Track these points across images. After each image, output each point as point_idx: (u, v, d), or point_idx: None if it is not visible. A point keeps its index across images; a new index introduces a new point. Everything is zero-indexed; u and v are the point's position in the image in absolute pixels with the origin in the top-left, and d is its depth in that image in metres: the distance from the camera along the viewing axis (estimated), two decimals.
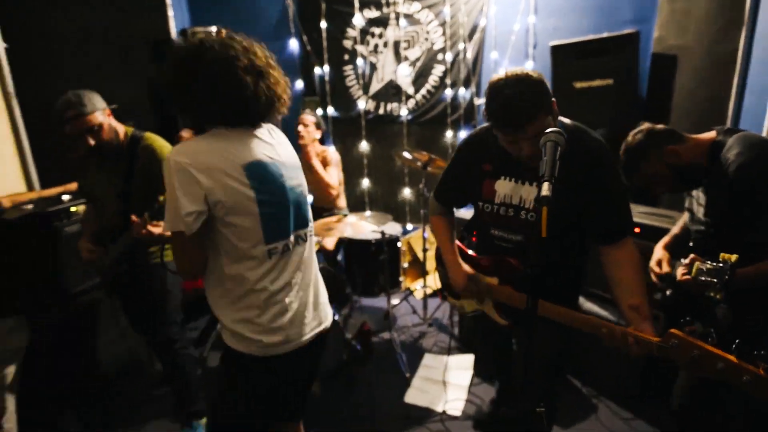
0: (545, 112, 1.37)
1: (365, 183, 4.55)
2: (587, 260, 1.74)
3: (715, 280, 1.39)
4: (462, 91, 4.12)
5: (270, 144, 1.46)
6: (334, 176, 3.37)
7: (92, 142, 1.98)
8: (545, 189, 1.06)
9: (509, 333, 2.03)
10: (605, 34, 3.32)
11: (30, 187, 2.73)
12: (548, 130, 1.21)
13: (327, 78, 4.37)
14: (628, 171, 1.72)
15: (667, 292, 1.73)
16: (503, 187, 1.62)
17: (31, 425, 2.13)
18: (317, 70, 4.38)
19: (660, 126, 1.72)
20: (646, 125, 1.73)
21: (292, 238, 1.47)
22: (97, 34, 3.23)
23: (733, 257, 1.37)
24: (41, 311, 2.20)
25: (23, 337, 2.04)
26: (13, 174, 2.43)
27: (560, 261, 1.61)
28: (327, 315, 1.62)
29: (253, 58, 1.36)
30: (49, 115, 1.92)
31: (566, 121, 1.57)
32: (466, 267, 1.80)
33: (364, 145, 4.47)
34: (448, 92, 4.15)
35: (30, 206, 2.34)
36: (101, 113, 2.01)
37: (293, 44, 4.33)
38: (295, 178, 1.49)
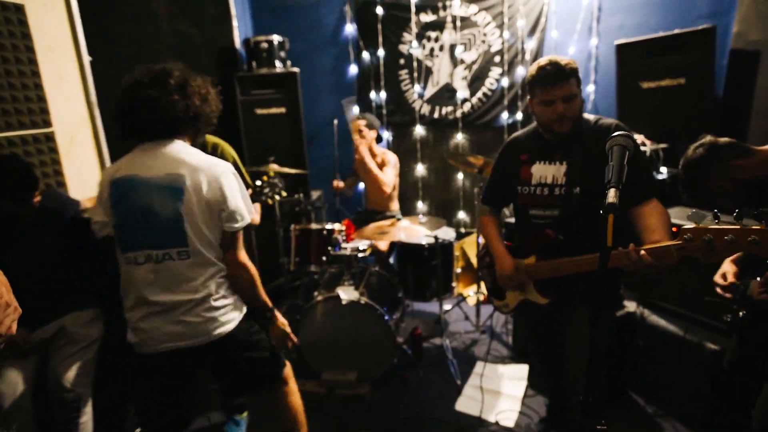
0: (577, 82, 1.68)
1: (419, 186, 4.54)
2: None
3: None
4: (519, 94, 4.02)
5: (146, 162, 1.56)
6: (389, 175, 3.41)
7: None
8: (611, 196, 1.06)
9: (556, 324, 1.97)
10: (677, 31, 3.13)
11: None
12: (616, 133, 1.26)
13: (383, 94, 4.38)
14: (688, 187, 1.61)
15: (741, 313, 1.59)
16: (538, 169, 1.82)
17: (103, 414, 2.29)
18: (372, 94, 4.40)
19: (723, 139, 1.58)
20: (707, 138, 1.60)
21: (140, 253, 1.55)
22: (169, 46, 3.45)
23: None
24: (114, 305, 2.37)
25: (100, 328, 2.20)
26: (94, 179, 2.63)
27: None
28: (196, 333, 1.59)
29: (142, 79, 1.56)
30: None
31: (589, 116, 1.79)
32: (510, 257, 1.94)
33: (419, 152, 4.46)
34: (505, 95, 4.06)
35: None
36: None
37: (352, 69, 4.40)
38: (152, 198, 1.52)
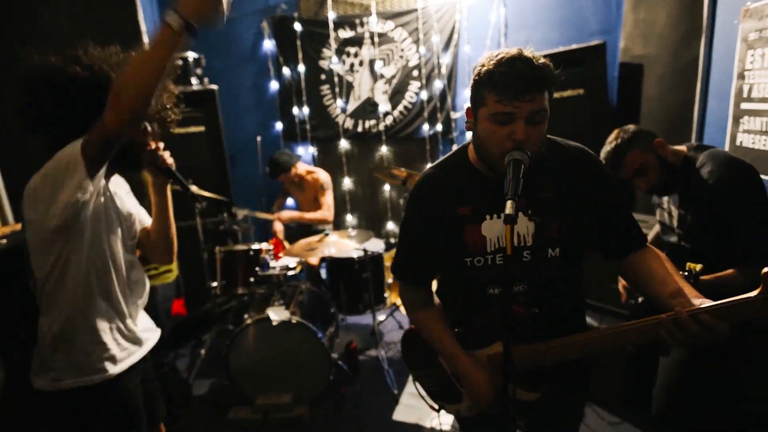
0: (550, 96, 1.17)
1: (347, 200, 4.55)
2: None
3: None
4: (438, 107, 4.18)
5: None
6: (328, 204, 3.62)
7: None
8: (509, 207, 1.00)
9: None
10: (574, 46, 3.41)
11: (4, 221, 2.70)
12: (513, 150, 1.11)
13: (306, 109, 4.37)
14: (613, 164, 1.76)
15: (639, 300, 1.78)
16: (492, 228, 1.24)
17: None
18: (295, 110, 4.38)
19: (646, 129, 1.78)
20: (632, 126, 1.78)
21: None
22: (66, 35, 3.18)
23: (698, 267, 1.42)
24: (18, 350, 2.15)
25: (0, 376, 2.00)
26: None
27: (575, 286, 1.37)
28: None
29: None
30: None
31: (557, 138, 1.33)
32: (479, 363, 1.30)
33: (344, 166, 4.49)
34: (425, 108, 4.20)
35: (4, 241, 2.30)
36: None
37: (273, 84, 4.36)
38: None
